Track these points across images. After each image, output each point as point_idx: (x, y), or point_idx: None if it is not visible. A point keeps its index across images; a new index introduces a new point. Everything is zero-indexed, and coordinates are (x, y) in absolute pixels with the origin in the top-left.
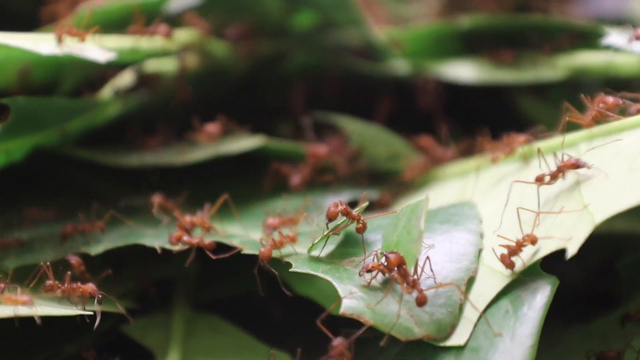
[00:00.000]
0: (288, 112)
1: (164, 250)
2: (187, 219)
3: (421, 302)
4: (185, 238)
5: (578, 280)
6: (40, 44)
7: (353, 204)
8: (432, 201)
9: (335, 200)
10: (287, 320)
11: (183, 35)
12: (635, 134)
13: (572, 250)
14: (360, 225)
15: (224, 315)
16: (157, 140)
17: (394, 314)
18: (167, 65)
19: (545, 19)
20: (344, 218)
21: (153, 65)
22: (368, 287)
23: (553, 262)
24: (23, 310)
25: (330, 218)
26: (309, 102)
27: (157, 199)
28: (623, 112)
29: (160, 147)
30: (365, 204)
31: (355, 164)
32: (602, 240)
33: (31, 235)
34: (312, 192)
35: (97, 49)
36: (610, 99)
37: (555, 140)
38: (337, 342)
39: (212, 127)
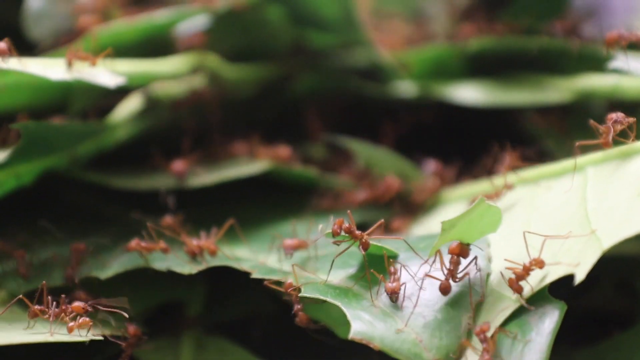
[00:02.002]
0: (300, 133)
1: (173, 272)
2: (194, 242)
3: (445, 290)
4: (143, 244)
5: (586, 301)
6: (50, 69)
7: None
8: (440, 224)
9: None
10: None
11: (192, 58)
12: None
13: (580, 276)
14: (363, 244)
15: (233, 338)
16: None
17: (403, 339)
18: (177, 88)
19: (552, 42)
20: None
21: (165, 88)
22: (378, 311)
23: (561, 284)
24: (35, 337)
25: (333, 236)
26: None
27: (167, 220)
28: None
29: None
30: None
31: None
32: (611, 262)
33: (40, 257)
34: (322, 215)
35: (107, 74)
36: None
37: (562, 164)
38: None
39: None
